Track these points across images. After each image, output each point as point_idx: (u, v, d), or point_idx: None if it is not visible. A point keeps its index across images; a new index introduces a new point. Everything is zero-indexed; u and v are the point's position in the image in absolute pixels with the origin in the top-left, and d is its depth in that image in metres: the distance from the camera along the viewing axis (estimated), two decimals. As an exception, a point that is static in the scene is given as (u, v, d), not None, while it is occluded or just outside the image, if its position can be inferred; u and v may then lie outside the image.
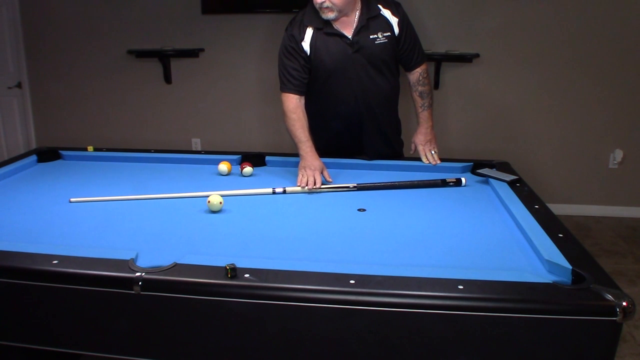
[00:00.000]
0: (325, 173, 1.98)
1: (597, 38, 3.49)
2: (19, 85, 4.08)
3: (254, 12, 3.69)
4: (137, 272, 1.18)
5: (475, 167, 2.10)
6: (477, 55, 3.59)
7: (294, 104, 2.10)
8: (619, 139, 3.66)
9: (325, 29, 2.08)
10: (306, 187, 1.89)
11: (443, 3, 3.58)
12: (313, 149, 2.05)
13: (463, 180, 1.92)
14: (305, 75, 2.13)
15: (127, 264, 1.21)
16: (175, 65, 3.90)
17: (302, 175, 1.93)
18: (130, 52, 3.86)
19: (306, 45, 2.09)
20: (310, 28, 2.09)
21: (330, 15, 2.03)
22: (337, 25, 2.09)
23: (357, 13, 2.09)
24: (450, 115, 3.72)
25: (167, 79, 3.93)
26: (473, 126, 3.76)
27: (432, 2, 3.58)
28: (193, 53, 3.83)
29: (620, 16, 3.44)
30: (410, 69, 2.26)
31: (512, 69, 3.62)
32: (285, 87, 2.12)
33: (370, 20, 2.10)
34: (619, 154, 3.66)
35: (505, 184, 1.84)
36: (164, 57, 3.84)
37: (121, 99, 4.04)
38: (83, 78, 4.02)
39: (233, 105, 3.93)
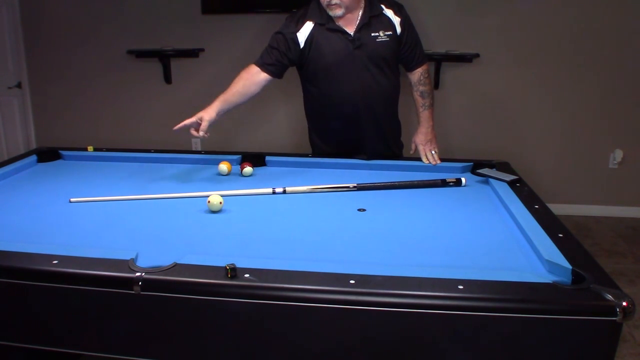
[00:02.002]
0: (203, 125, 1.95)
1: (597, 38, 3.49)
2: (19, 85, 4.08)
3: (254, 12, 3.70)
4: (137, 272, 1.18)
5: (475, 167, 2.09)
6: (477, 55, 3.59)
7: (249, 71, 2.12)
8: (619, 139, 3.66)
9: (327, 24, 2.10)
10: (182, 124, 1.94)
11: (443, 3, 3.58)
12: (215, 107, 2.02)
13: (463, 180, 1.92)
14: (282, 62, 2.13)
15: (127, 264, 1.21)
16: (175, 65, 3.90)
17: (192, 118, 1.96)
18: (130, 52, 3.86)
19: (301, 36, 2.11)
20: (311, 22, 2.11)
21: (338, 12, 2.06)
22: (339, 22, 2.11)
23: (361, 11, 2.12)
24: (450, 115, 3.72)
25: (167, 79, 3.93)
26: (473, 126, 3.76)
27: (432, 2, 3.58)
28: (193, 53, 3.83)
29: (621, 16, 3.44)
30: (411, 69, 2.27)
31: (512, 69, 3.62)
32: (256, 60, 2.15)
33: (373, 19, 2.12)
34: (619, 154, 3.67)
35: (505, 184, 1.84)
36: (164, 57, 3.84)
37: (121, 99, 4.04)
38: (83, 78, 4.02)
39: (233, 105, 3.93)
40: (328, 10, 2.07)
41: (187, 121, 1.96)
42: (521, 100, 3.68)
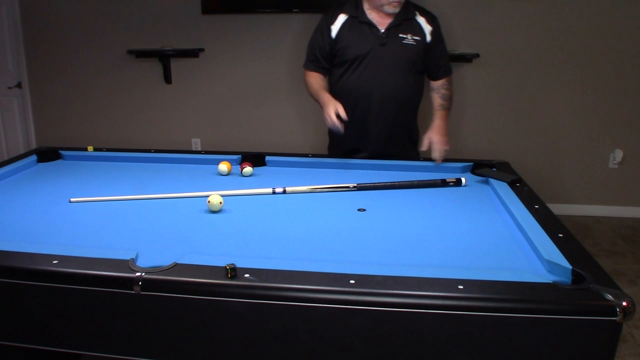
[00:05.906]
0: (340, 109, 2.06)
1: (597, 38, 3.49)
2: (19, 85, 4.08)
3: (254, 12, 3.70)
4: (137, 272, 1.18)
5: (475, 167, 2.09)
6: (477, 55, 3.59)
7: (313, 75, 2.30)
8: (619, 139, 3.67)
9: (360, 17, 2.19)
10: (332, 118, 2.04)
11: (443, 3, 3.58)
12: (329, 95, 2.18)
13: (463, 180, 1.92)
14: (329, 58, 2.26)
15: (127, 264, 1.21)
16: (175, 65, 3.90)
17: (327, 111, 2.06)
18: (130, 52, 3.86)
19: (335, 28, 2.22)
20: (344, 14, 2.21)
21: (397, 10, 2.15)
22: (374, 19, 2.18)
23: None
24: (451, 115, 3.69)
25: (167, 79, 3.93)
26: (473, 126, 3.76)
27: (432, 2, 3.57)
28: (193, 53, 3.83)
29: (620, 16, 3.44)
30: (435, 78, 2.33)
31: (512, 69, 3.62)
32: (308, 65, 2.33)
33: (404, 22, 2.19)
34: (619, 154, 3.67)
35: (505, 184, 1.84)
36: (164, 57, 3.84)
37: (121, 99, 4.04)
38: (83, 78, 4.02)
39: (233, 105, 3.93)
40: (386, 8, 2.14)
41: (334, 117, 2.04)
42: (521, 100, 3.67)
